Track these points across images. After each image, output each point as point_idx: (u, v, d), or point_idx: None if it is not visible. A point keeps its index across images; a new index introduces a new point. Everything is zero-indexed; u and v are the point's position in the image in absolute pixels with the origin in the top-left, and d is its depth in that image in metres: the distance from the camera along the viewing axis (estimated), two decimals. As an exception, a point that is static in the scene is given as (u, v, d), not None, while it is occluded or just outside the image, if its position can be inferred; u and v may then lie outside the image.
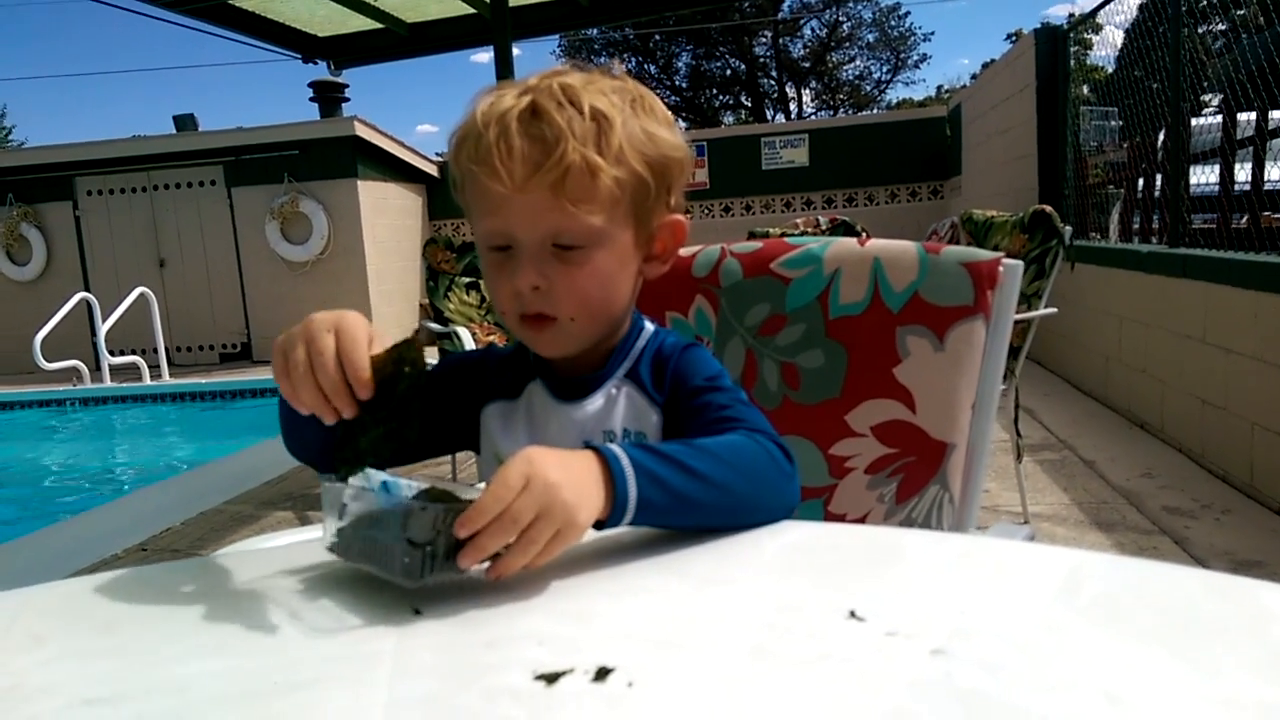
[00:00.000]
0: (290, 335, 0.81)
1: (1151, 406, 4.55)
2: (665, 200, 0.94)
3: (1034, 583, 0.60)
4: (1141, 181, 5.89)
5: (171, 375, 9.10)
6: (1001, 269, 1.09)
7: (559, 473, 0.69)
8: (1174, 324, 4.27)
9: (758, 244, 1.33)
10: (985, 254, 1.11)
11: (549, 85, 0.88)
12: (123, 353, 9.33)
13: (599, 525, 0.74)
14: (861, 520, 1.12)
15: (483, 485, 0.70)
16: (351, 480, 0.70)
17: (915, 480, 1.08)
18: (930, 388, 1.09)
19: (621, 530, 0.74)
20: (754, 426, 0.87)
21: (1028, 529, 1.02)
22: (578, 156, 0.83)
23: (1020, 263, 1.09)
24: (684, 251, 1.41)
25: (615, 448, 0.76)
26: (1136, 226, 5.95)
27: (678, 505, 0.76)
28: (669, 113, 0.96)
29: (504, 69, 6.06)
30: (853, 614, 0.56)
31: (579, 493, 0.70)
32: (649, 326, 1.01)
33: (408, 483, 0.70)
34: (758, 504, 0.81)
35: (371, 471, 0.71)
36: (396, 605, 0.63)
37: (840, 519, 1.13)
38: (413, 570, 0.63)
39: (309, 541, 0.75)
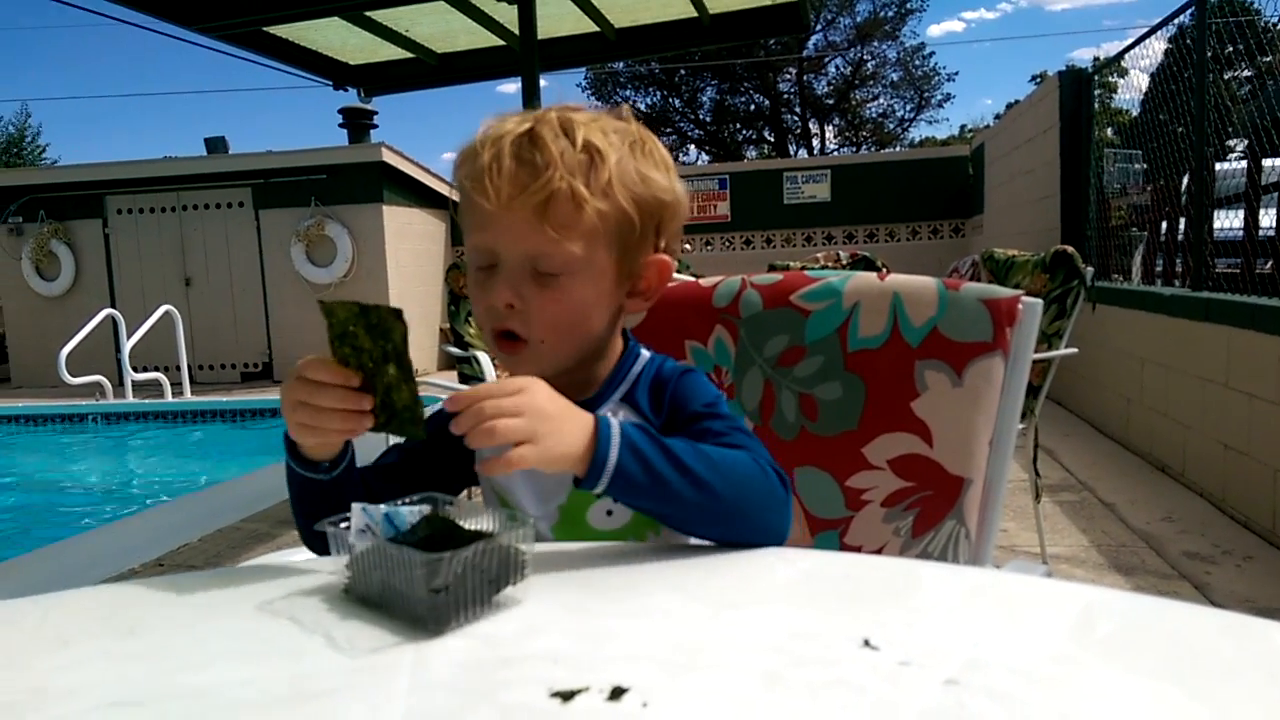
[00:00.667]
0: (286, 409, 0.86)
1: (1173, 450, 4.50)
2: (653, 240, 0.96)
3: (1048, 617, 0.60)
4: (1165, 225, 5.88)
5: (193, 393, 9.19)
6: (1021, 307, 1.10)
7: (551, 406, 0.77)
8: (1196, 368, 4.24)
9: (778, 276, 1.34)
10: (1005, 291, 1.11)
11: (551, 116, 0.91)
12: (146, 369, 9.41)
13: (578, 483, 0.79)
14: (877, 553, 1.12)
15: (479, 500, 0.72)
16: (354, 520, 0.70)
17: (932, 515, 1.08)
18: (948, 423, 1.10)
19: (635, 549, 0.74)
20: (754, 451, 0.88)
21: (1044, 568, 1.02)
22: (564, 184, 0.86)
23: (1039, 301, 1.10)
24: (705, 282, 1.43)
25: (611, 417, 0.81)
26: (1159, 269, 5.92)
27: (656, 488, 0.79)
28: (669, 158, 0.98)
29: (531, 101, 6.13)
30: (866, 642, 0.56)
31: (558, 429, 0.76)
32: (644, 353, 1.02)
33: (409, 510, 0.71)
34: (743, 518, 0.82)
35: (371, 506, 0.71)
36: (420, 621, 0.64)
37: (855, 550, 1.13)
38: (437, 619, 0.63)
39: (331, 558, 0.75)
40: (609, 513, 0.93)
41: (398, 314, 0.80)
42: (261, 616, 0.66)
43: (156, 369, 9.29)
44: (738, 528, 0.82)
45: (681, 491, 0.79)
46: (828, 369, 1.22)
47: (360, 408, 0.81)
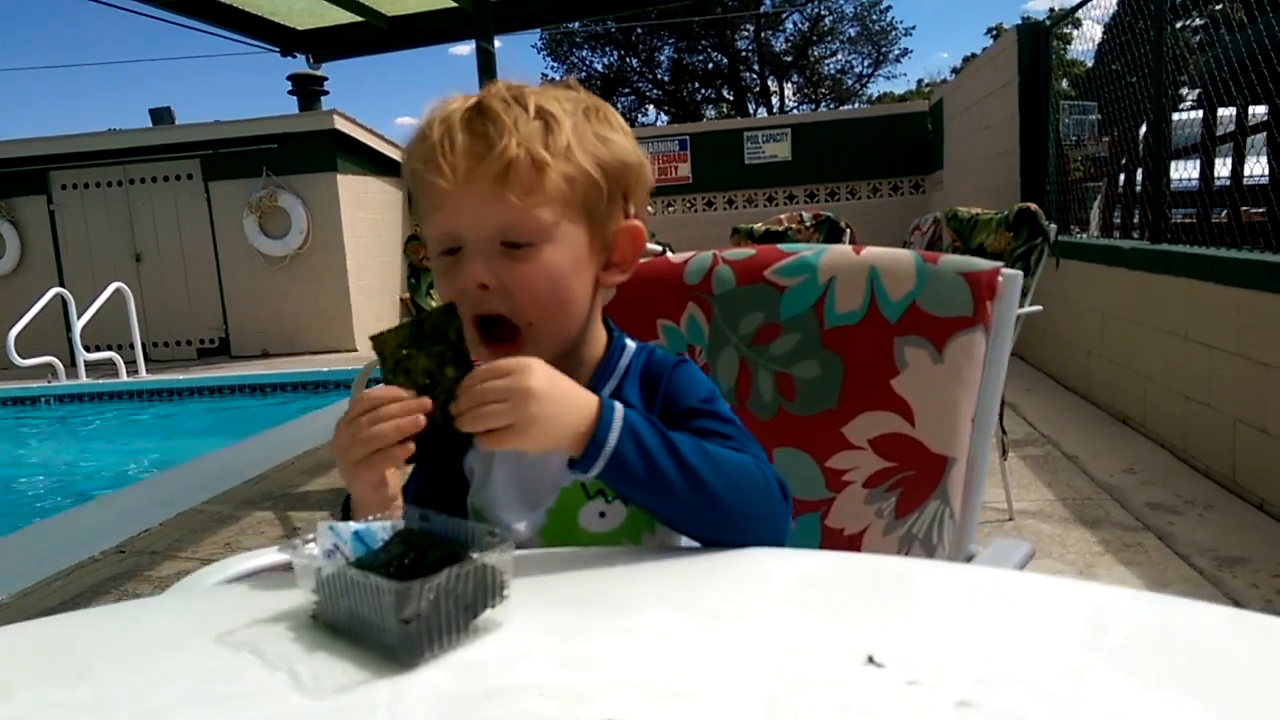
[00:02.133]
0: (340, 455, 0.81)
1: (1134, 402, 4.56)
2: (621, 206, 0.92)
3: (1057, 623, 0.58)
4: (1123, 177, 5.92)
5: (148, 371, 9.00)
6: (1001, 279, 1.07)
7: (544, 385, 0.75)
8: (1156, 320, 4.28)
9: (751, 250, 1.30)
10: (984, 263, 1.09)
11: (498, 88, 0.88)
12: (98, 348, 9.19)
13: (572, 464, 0.78)
14: (860, 535, 1.09)
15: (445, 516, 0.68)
16: (320, 541, 0.66)
17: (915, 495, 1.06)
18: (929, 400, 1.07)
19: (619, 555, 0.71)
20: (758, 456, 0.86)
21: (1027, 546, 1.00)
22: (522, 151, 0.82)
23: (1019, 273, 1.07)
24: (675, 258, 1.39)
25: (618, 403, 0.79)
26: (1117, 221, 5.97)
27: (653, 479, 0.77)
28: (625, 124, 0.94)
29: (485, 63, 6.00)
30: (871, 659, 0.53)
31: (547, 413, 0.74)
32: (630, 344, 0.98)
33: (381, 525, 0.67)
34: (740, 524, 0.81)
35: (339, 525, 0.67)
36: (391, 651, 0.60)
37: (838, 533, 1.11)
38: (409, 650, 0.59)
39: (294, 573, 0.71)
40: (601, 514, 0.89)
41: (450, 310, 0.77)
42: (222, 652, 0.61)
43: (109, 348, 9.08)
44: (733, 532, 0.81)
45: (680, 489, 0.78)
46: (804, 347, 1.19)
47: (421, 406, 0.76)
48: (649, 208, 1.10)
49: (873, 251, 1.19)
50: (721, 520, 0.80)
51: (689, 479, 0.78)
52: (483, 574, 0.61)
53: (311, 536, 0.66)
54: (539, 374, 0.76)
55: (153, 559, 3.50)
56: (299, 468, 4.83)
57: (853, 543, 1.10)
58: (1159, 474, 3.83)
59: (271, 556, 1.03)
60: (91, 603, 3.08)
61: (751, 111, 28.60)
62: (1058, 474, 3.89)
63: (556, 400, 0.76)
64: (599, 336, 0.96)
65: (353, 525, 0.66)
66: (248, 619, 0.66)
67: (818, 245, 1.25)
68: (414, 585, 0.57)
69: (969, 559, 1.03)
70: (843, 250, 1.21)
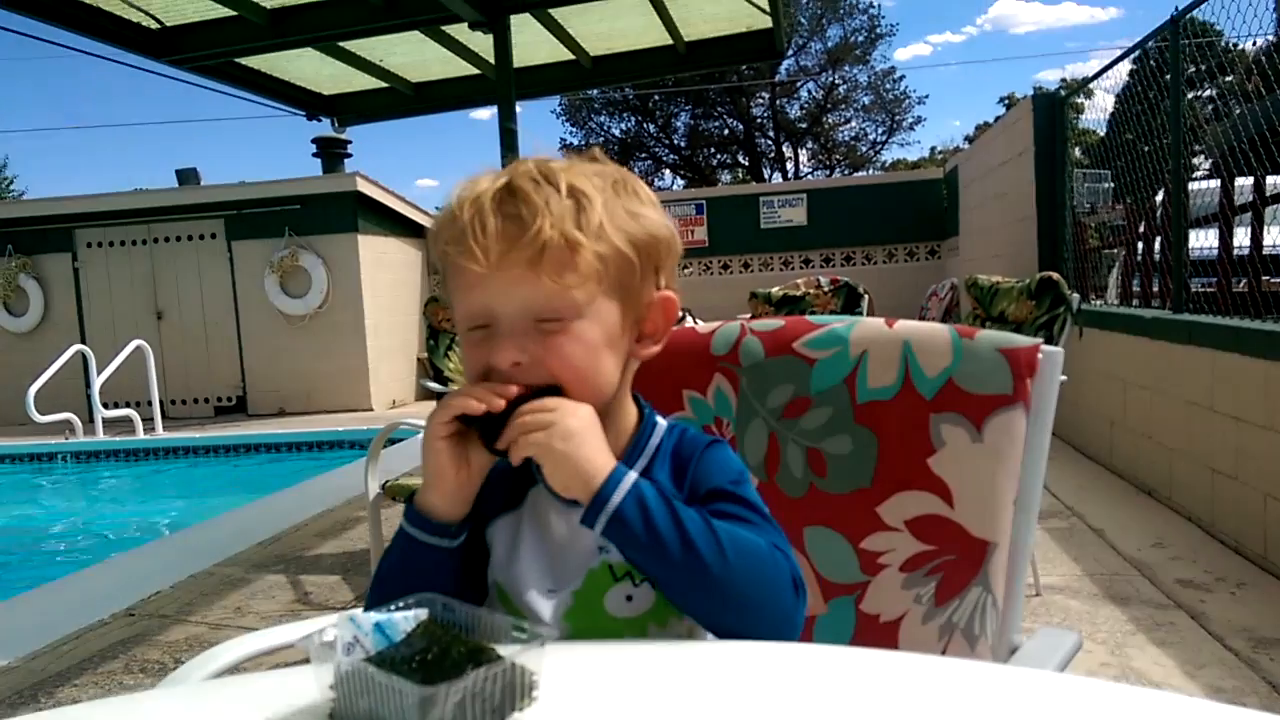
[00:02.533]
0: (428, 442, 0.87)
1: (1159, 474, 4.48)
2: (654, 280, 0.92)
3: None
4: (1141, 245, 5.91)
5: (165, 429, 9.02)
6: (1041, 355, 1.04)
7: (578, 429, 0.81)
8: (1180, 390, 4.23)
9: (779, 322, 1.28)
10: (1023, 340, 1.06)
11: (527, 167, 0.87)
12: (117, 405, 9.23)
13: (583, 517, 0.82)
14: (898, 622, 1.05)
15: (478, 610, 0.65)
16: (340, 632, 0.63)
17: (955, 581, 1.02)
18: (968, 481, 1.04)
19: (653, 654, 0.67)
20: (773, 539, 0.84)
21: (1074, 637, 0.96)
22: (555, 232, 0.82)
23: (1060, 350, 1.04)
24: (702, 328, 1.37)
25: (633, 470, 0.83)
26: (1136, 289, 5.94)
27: (652, 544, 0.79)
28: (653, 195, 0.94)
29: (508, 130, 6.09)
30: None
31: (573, 455, 0.80)
32: (661, 422, 0.96)
33: (404, 615, 0.63)
34: (740, 605, 0.80)
35: (360, 616, 0.64)
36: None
37: (874, 619, 1.07)
38: None
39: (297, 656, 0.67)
40: (629, 598, 0.86)
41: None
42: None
43: (128, 405, 9.12)
44: (731, 617, 0.80)
45: (677, 558, 0.79)
46: (836, 421, 1.16)
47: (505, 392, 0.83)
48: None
49: (905, 325, 1.16)
50: (720, 601, 0.80)
51: (687, 550, 0.78)
52: (511, 674, 0.58)
53: (331, 627, 0.62)
54: (580, 416, 0.82)
55: (162, 623, 3.45)
56: (312, 530, 4.78)
57: (889, 630, 1.05)
58: (1187, 549, 3.74)
59: (274, 638, 0.99)
60: (98, 668, 3.02)
61: (767, 177, 28.92)
62: (1084, 548, 3.81)
63: (584, 446, 0.81)
64: (630, 412, 0.95)
65: (374, 616, 0.63)
66: (258, 718, 0.62)
67: (848, 317, 1.22)
68: (439, 689, 0.54)
69: (1013, 650, 0.98)
70: (874, 324, 1.19)
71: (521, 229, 0.81)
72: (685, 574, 0.79)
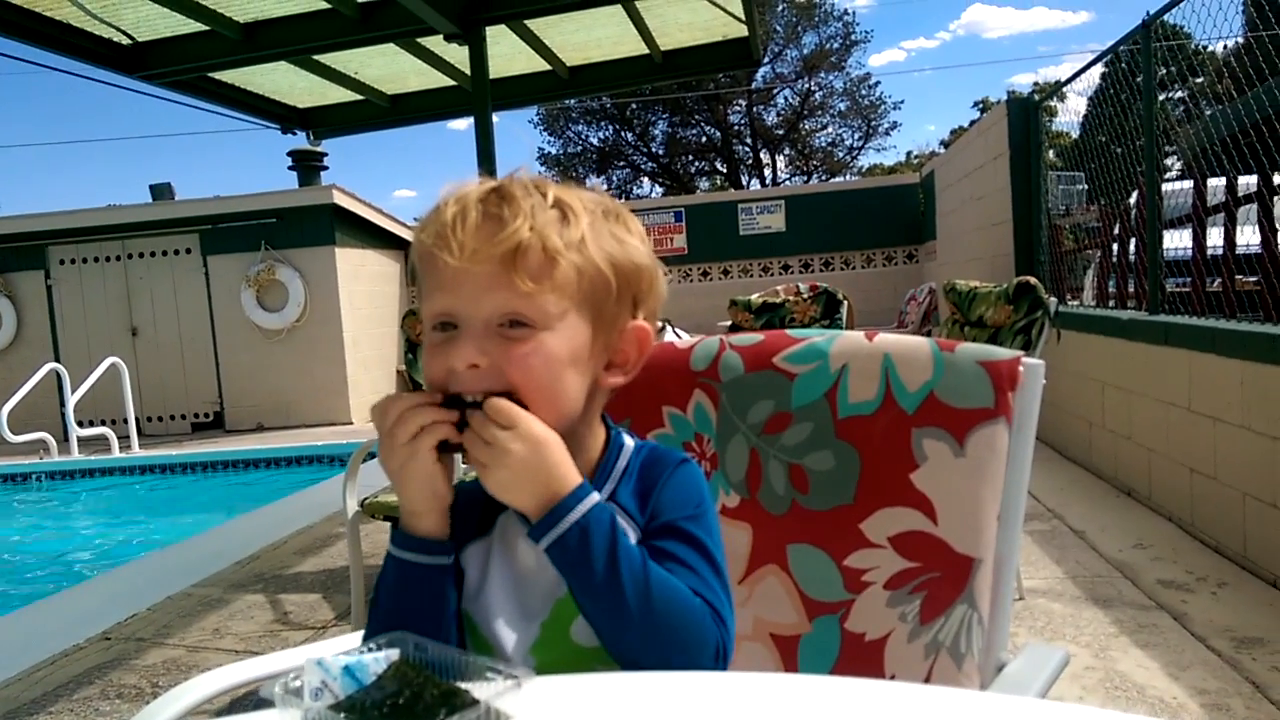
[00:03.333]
0: (389, 462, 0.86)
1: (1138, 474, 4.51)
2: (630, 308, 0.91)
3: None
4: (1116, 246, 5.96)
5: (142, 446, 8.92)
6: (1022, 369, 1.03)
7: (527, 451, 0.79)
8: (1158, 391, 4.25)
9: (759, 336, 1.27)
10: (1003, 352, 1.05)
11: (521, 175, 0.88)
12: (92, 423, 9.12)
13: (529, 525, 0.82)
14: (883, 641, 1.04)
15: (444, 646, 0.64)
16: (306, 678, 0.60)
17: (940, 598, 1.00)
18: (952, 496, 1.03)
19: (624, 687, 0.65)
20: (712, 599, 0.83)
21: (1061, 653, 0.95)
22: (534, 236, 0.81)
23: (1041, 363, 1.04)
24: (680, 343, 1.35)
25: (596, 497, 0.82)
26: (1112, 290, 5.99)
27: (580, 570, 0.79)
28: (643, 231, 0.94)
29: (484, 139, 6.07)
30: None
31: (520, 471, 0.79)
32: (629, 442, 0.94)
33: (374, 657, 0.61)
34: (655, 654, 0.80)
35: (329, 659, 0.62)
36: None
37: (859, 638, 1.05)
38: None
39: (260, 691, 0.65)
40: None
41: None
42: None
43: (103, 423, 9.02)
44: (645, 660, 0.80)
45: (599, 587, 0.79)
46: (817, 437, 1.15)
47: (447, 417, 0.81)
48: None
49: (886, 338, 1.15)
50: (632, 646, 0.80)
51: (611, 586, 0.78)
52: (486, 718, 0.56)
53: (296, 674, 0.60)
54: (533, 435, 0.80)
55: (139, 646, 3.40)
56: (291, 547, 4.73)
57: (875, 649, 1.04)
58: (1168, 549, 3.76)
59: (239, 674, 0.97)
60: (74, 694, 2.97)
61: (745, 183, 29.03)
62: (1066, 549, 3.82)
63: (535, 467, 0.80)
64: (597, 435, 0.93)
65: (342, 659, 0.61)
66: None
67: (828, 331, 1.21)
68: None
69: (1000, 668, 0.97)
70: (854, 337, 1.18)
71: (500, 227, 0.81)
72: (603, 607, 0.80)
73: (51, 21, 5.43)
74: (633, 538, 0.86)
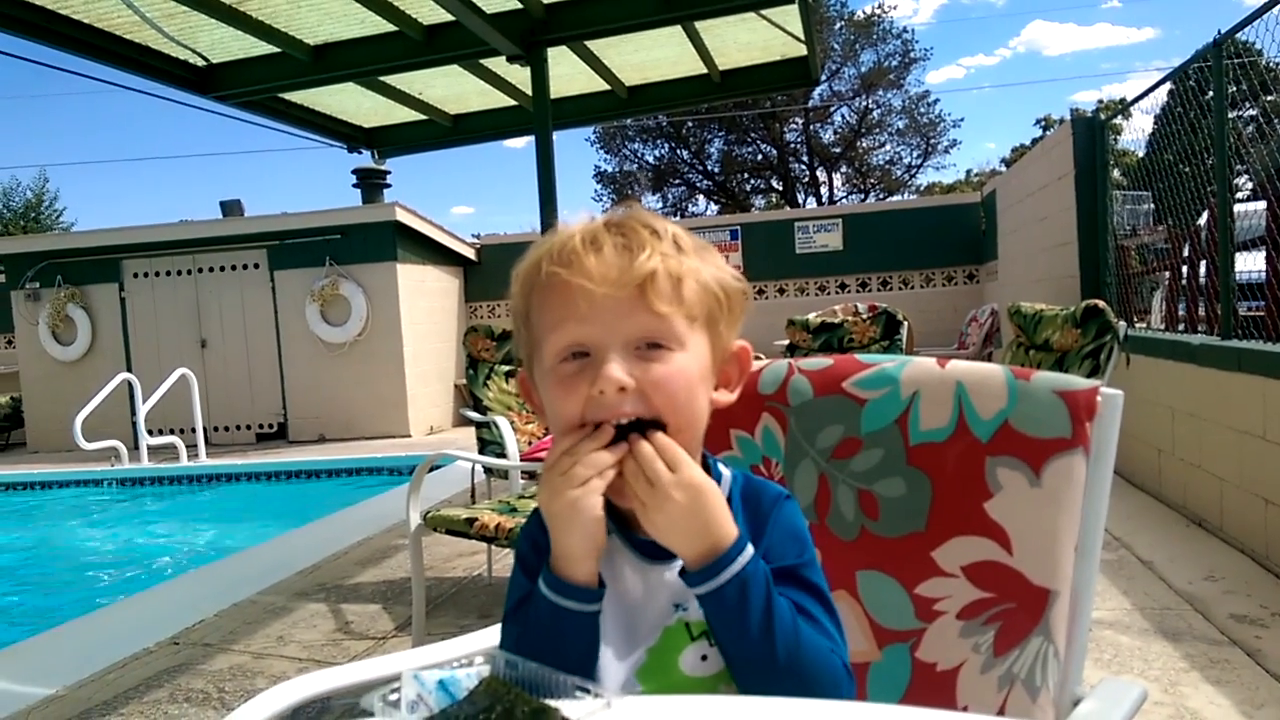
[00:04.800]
0: (553, 495, 0.85)
1: (1210, 504, 4.38)
2: (733, 328, 0.95)
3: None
4: (1186, 268, 5.81)
5: (209, 455, 9.14)
6: (1100, 399, 1.02)
7: (702, 480, 0.83)
8: (1231, 419, 4.13)
9: (828, 360, 1.27)
10: (1081, 382, 1.04)
11: (629, 212, 0.91)
12: (161, 432, 9.39)
13: (683, 573, 0.84)
14: (955, 671, 1.03)
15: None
16: (404, 690, 0.62)
17: (1015, 630, 0.99)
18: (1027, 527, 1.02)
19: (721, 710, 0.66)
20: (837, 642, 0.87)
21: (1139, 689, 0.93)
22: (663, 262, 0.86)
23: (1120, 394, 1.02)
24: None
25: (751, 550, 0.83)
26: (1181, 313, 5.84)
27: (738, 621, 0.81)
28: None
29: (544, 157, 6.15)
30: None
31: (679, 517, 0.81)
32: (725, 471, 0.97)
33: (467, 673, 0.63)
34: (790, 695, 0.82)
35: (424, 673, 0.64)
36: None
37: (930, 668, 1.05)
38: None
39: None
40: (704, 658, 0.86)
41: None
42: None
43: (172, 432, 9.27)
44: (780, 691, 0.81)
45: (754, 639, 0.81)
46: (888, 463, 1.15)
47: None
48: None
49: (958, 365, 1.15)
50: (772, 689, 0.81)
51: (765, 639, 0.81)
52: None
53: (395, 687, 0.62)
54: (694, 483, 0.82)
55: (206, 651, 3.48)
56: (352, 558, 4.81)
57: (947, 679, 1.03)
58: (1240, 582, 3.64)
59: (328, 682, 0.99)
60: (144, 697, 3.05)
61: (801, 201, 28.89)
62: (1133, 580, 3.72)
63: (695, 514, 0.82)
64: (699, 460, 0.95)
65: (437, 674, 0.63)
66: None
67: (899, 357, 1.21)
68: None
69: (1075, 702, 0.96)
70: (926, 364, 1.18)
71: (631, 255, 0.85)
72: (752, 658, 0.82)
73: (131, 44, 5.65)
74: None
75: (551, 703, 0.60)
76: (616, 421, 0.83)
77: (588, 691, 0.61)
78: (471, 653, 0.67)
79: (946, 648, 1.04)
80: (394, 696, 0.61)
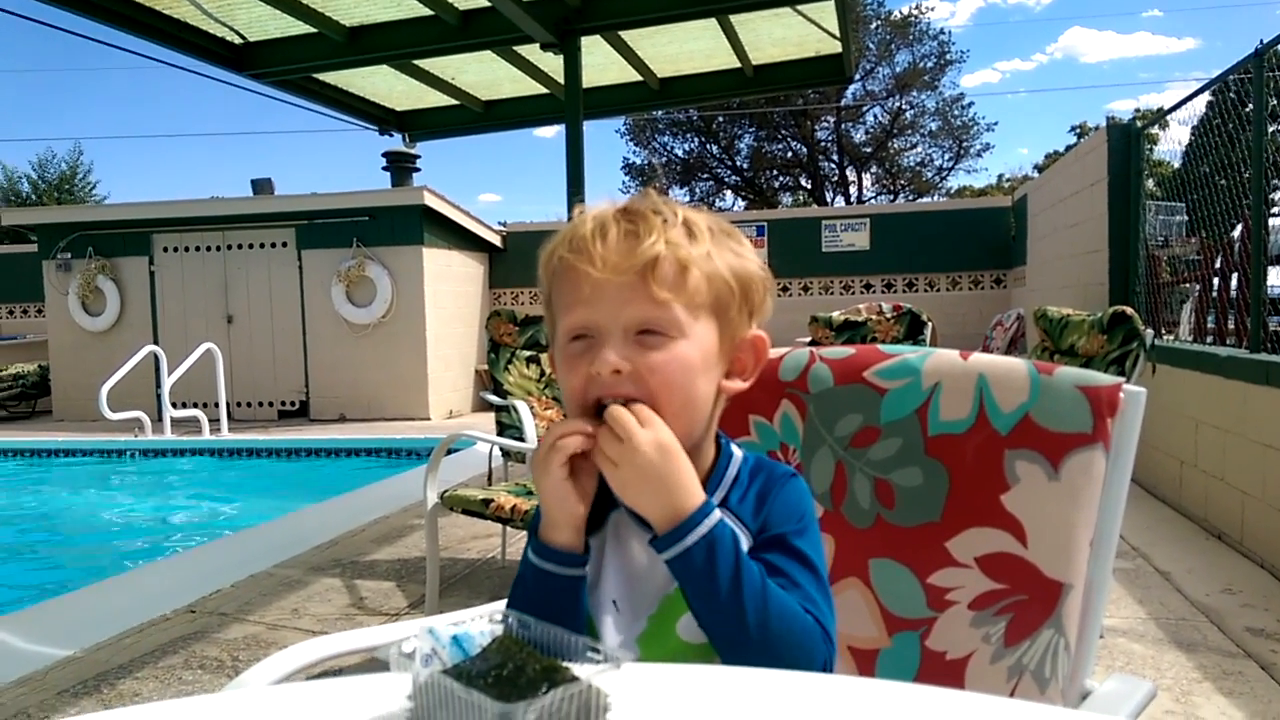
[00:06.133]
0: (547, 474, 0.89)
1: (1230, 517, 4.34)
2: (748, 317, 0.96)
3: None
4: (1218, 281, 5.75)
5: (231, 430, 9.24)
6: (1123, 395, 1.02)
7: (669, 442, 0.84)
8: (1255, 432, 4.09)
9: (849, 350, 1.27)
10: (1104, 378, 1.04)
11: (646, 198, 0.94)
12: (185, 405, 9.49)
13: (653, 541, 0.86)
14: (965, 661, 1.03)
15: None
16: (419, 643, 0.64)
17: (1027, 622, 0.99)
18: (1043, 520, 1.02)
19: (721, 679, 0.66)
20: (820, 611, 0.87)
21: (1148, 686, 0.93)
22: (668, 249, 0.87)
23: (1143, 390, 1.02)
24: (771, 353, 1.36)
25: (719, 514, 0.85)
26: (1211, 326, 5.78)
27: (706, 585, 0.83)
28: (751, 249, 1.00)
29: (574, 146, 6.16)
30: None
31: (647, 478, 0.84)
32: (737, 452, 0.98)
33: (480, 630, 0.64)
34: (764, 663, 0.83)
35: (438, 628, 0.65)
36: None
37: (939, 656, 1.05)
38: None
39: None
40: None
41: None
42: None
43: (196, 405, 9.37)
44: (757, 666, 0.83)
45: (722, 602, 0.83)
46: (906, 453, 1.15)
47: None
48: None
49: (981, 359, 1.15)
50: (746, 654, 0.83)
51: (733, 602, 0.82)
52: (587, 695, 0.58)
53: (410, 637, 0.63)
54: (663, 443, 0.84)
55: (222, 620, 3.53)
56: (369, 535, 4.85)
57: (955, 668, 1.03)
58: (1259, 596, 3.61)
59: (334, 645, 1.01)
60: (159, 663, 3.10)
61: (829, 200, 28.75)
62: (1149, 590, 3.69)
63: (661, 474, 0.84)
64: (712, 443, 0.97)
65: (451, 630, 0.64)
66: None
67: (921, 348, 1.21)
68: (518, 707, 0.55)
69: (1084, 696, 0.96)
70: (948, 355, 1.18)
71: (637, 242, 0.87)
72: (722, 620, 0.83)
73: (170, 19, 5.70)
74: (744, 544, 0.90)
75: (563, 663, 0.61)
76: (603, 400, 0.87)
77: (599, 653, 0.62)
78: (484, 613, 0.68)
79: (957, 637, 1.04)
80: (409, 649, 0.62)
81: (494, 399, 4.27)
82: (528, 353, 4.44)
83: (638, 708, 0.62)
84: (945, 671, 1.04)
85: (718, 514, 0.85)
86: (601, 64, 6.84)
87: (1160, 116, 6.54)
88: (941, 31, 28.09)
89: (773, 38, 6.71)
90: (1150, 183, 6.87)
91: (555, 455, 0.86)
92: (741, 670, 0.74)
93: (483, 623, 0.66)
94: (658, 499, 0.85)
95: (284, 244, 11.07)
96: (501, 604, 0.93)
